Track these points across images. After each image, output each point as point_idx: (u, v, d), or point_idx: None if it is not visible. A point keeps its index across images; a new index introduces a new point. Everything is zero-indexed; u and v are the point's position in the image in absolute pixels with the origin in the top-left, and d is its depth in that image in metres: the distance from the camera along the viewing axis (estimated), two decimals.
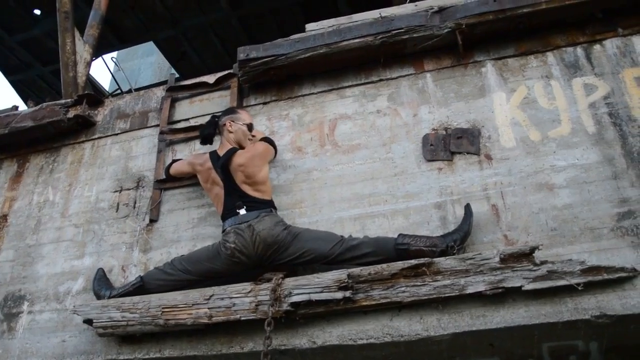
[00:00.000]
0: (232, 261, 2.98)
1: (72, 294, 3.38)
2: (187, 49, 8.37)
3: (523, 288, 2.52)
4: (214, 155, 3.26)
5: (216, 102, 3.77)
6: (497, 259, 2.58)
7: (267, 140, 3.31)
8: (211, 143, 3.40)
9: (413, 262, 2.66)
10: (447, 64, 3.45)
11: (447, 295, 2.60)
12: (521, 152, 3.04)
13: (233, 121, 3.31)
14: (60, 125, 3.94)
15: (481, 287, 2.56)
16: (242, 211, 3.04)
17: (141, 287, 3.06)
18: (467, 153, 3.12)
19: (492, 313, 2.60)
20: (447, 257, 2.67)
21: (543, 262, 2.53)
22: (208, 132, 3.38)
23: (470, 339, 2.66)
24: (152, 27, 7.97)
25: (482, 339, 2.66)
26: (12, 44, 8.08)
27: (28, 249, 3.69)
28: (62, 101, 4.00)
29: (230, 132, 3.29)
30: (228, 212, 3.08)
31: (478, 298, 2.62)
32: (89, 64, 4.48)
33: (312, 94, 3.63)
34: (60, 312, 3.32)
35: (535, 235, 2.79)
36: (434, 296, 2.62)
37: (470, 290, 2.58)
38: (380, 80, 3.53)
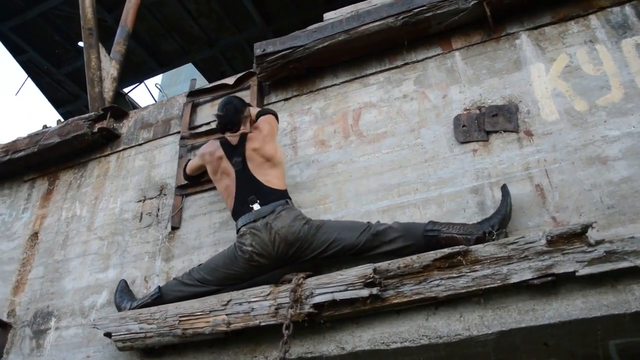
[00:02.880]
0: (251, 265, 2.77)
1: (96, 307, 3.28)
2: (226, 68, 8.39)
3: (577, 273, 2.16)
4: (225, 143, 3.04)
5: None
6: (543, 241, 2.24)
7: (266, 112, 3.10)
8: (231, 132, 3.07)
9: (446, 251, 2.36)
10: (477, 39, 3.16)
11: (488, 286, 2.27)
12: (566, 125, 2.70)
13: (251, 111, 3.12)
14: (85, 139, 3.91)
15: (527, 275, 2.22)
16: (256, 206, 2.79)
17: (159, 298, 2.90)
18: (505, 131, 2.81)
19: (543, 306, 2.25)
20: (485, 244, 2.35)
21: (599, 242, 2.16)
22: (236, 119, 3.01)
23: (520, 337, 2.31)
24: (190, 49, 8.08)
25: (534, 337, 2.31)
26: (60, 77, 8.36)
27: (56, 264, 3.65)
28: (86, 115, 3.98)
29: (252, 123, 3.06)
30: (240, 208, 2.84)
31: (525, 289, 2.28)
32: (115, 80, 4.46)
33: (335, 85, 3.43)
34: (85, 327, 3.22)
35: (589, 215, 2.44)
36: (473, 288, 2.29)
37: (514, 279, 2.24)
38: (406, 64, 3.28)
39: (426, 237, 2.51)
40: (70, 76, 8.20)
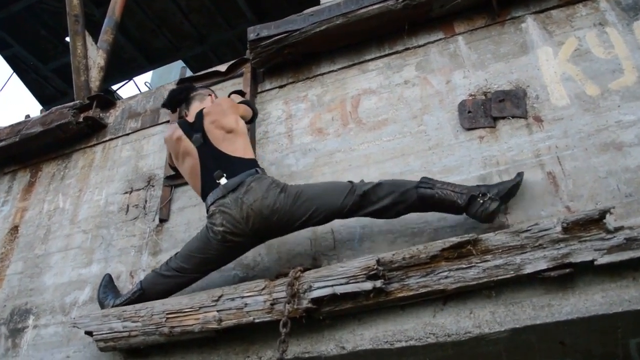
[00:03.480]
0: (226, 246, 2.52)
1: (78, 304, 3.08)
2: (216, 65, 8.21)
3: (596, 262, 1.99)
4: (183, 123, 2.84)
5: (229, 91, 3.43)
6: (558, 228, 2.08)
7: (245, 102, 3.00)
8: (174, 111, 3.04)
9: (455, 239, 2.20)
10: (481, 23, 3.02)
11: (500, 277, 2.10)
12: (577, 110, 2.55)
13: (216, 95, 3.06)
14: (69, 129, 3.72)
15: (542, 265, 2.06)
16: (223, 180, 2.55)
17: (142, 294, 2.68)
18: (512, 117, 2.66)
19: (560, 301, 2.08)
20: (496, 232, 2.20)
21: (618, 229, 2.01)
22: (180, 98, 2.99)
23: (534, 335, 2.15)
24: (181, 46, 7.91)
25: (549, 335, 2.15)
26: (46, 73, 8.15)
27: (36, 259, 3.45)
28: (71, 103, 3.79)
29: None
30: (207, 185, 2.61)
31: (540, 283, 2.12)
32: (103, 69, 4.27)
33: (332, 71, 3.27)
34: (66, 325, 3.01)
35: (605, 204, 2.27)
36: (484, 280, 2.13)
37: (528, 269, 2.08)
38: (407, 49, 3.13)
39: (419, 192, 2.35)
40: (57, 72, 7.99)
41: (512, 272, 2.11)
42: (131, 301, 2.69)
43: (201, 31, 7.74)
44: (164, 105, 3.11)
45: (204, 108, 2.82)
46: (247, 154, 2.66)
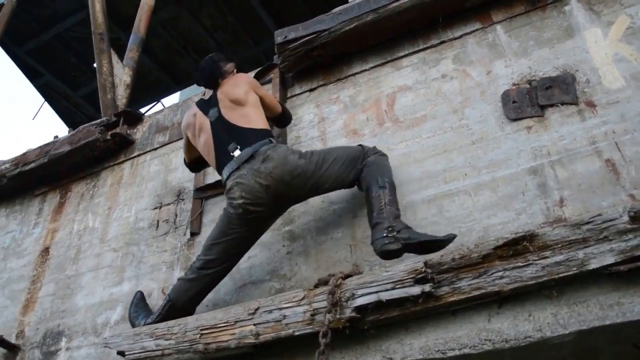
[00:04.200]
0: (248, 220, 2.46)
1: (110, 325, 2.97)
2: None
3: None
4: (200, 101, 2.82)
5: None
6: (625, 218, 1.86)
7: None
8: (213, 87, 2.85)
9: (509, 237, 2.00)
10: (520, 10, 2.84)
11: (562, 275, 1.89)
12: (635, 92, 2.34)
13: (236, 68, 2.95)
14: (97, 146, 3.66)
15: (609, 259, 1.85)
16: (237, 152, 2.49)
17: (172, 306, 2.55)
18: (562, 104, 2.46)
19: (631, 298, 1.85)
20: (554, 226, 1.99)
21: None
22: (215, 71, 2.84)
23: (603, 338, 1.93)
24: None
25: (620, 337, 1.92)
26: (76, 100, 8.25)
27: (67, 280, 3.36)
28: (98, 121, 3.74)
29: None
30: (220, 159, 2.55)
31: (607, 278, 1.89)
32: (129, 87, 4.23)
33: (364, 70, 3.12)
34: (98, 346, 2.91)
35: None
36: (544, 279, 1.92)
37: (593, 264, 1.86)
38: (442, 42, 2.97)
39: (369, 185, 2.37)
40: (86, 98, 8.09)
41: (574, 269, 1.89)
42: (162, 317, 2.55)
43: (227, 49, 7.73)
44: (201, 83, 2.94)
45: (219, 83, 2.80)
46: (259, 124, 2.59)
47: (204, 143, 2.66)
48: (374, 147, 2.56)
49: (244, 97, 2.64)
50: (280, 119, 2.91)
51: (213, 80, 2.82)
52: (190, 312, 2.60)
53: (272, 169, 2.39)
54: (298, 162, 2.42)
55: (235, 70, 2.92)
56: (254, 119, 2.60)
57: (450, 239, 2.20)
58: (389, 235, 2.17)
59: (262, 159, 2.42)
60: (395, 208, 2.31)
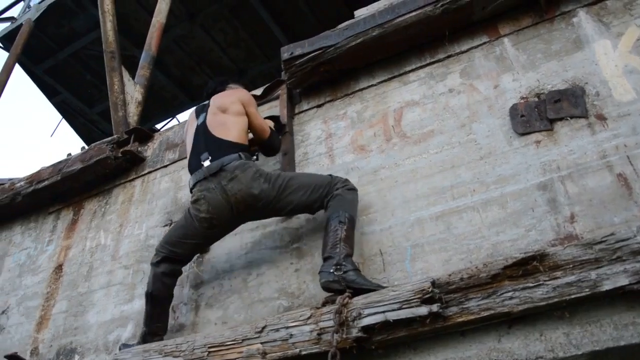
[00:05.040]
0: (212, 231, 2.64)
1: (121, 342, 2.96)
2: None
3: None
4: (200, 105, 2.99)
5: (266, 114, 3.34)
6: (639, 237, 1.82)
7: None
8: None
9: (518, 255, 1.97)
10: (527, 22, 2.81)
11: (573, 296, 1.85)
12: None
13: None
14: (108, 163, 3.69)
15: (623, 280, 1.79)
16: (207, 162, 2.60)
17: (151, 295, 2.68)
18: (571, 117, 2.42)
19: None
20: (565, 245, 1.95)
21: None
22: (215, 87, 3.07)
23: (618, 359, 1.88)
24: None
25: (635, 358, 1.87)
26: (93, 117, 8.36)
27: (80, 297, 3.38)
28: (109, 138, 3.77)
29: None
30: (192, 164, 2.70)
31: (621, 298, 1.85)
32: (140, 104, 4.27)
33: (371, 85, 3.11)
34: None
35: None
36: (555, 300, 1.87)
37: (607, 286, 1.81)
38: (449, 56, 2.95)
39: (330, 217, 2.41)
40: (102, 115, 8.18)
41: (587, 290, 1.85)
42: (149, 315, 2.68)
43: (240, 65, 7.80)
44: (205, 97, 3.11)
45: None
46: (234, 137, 2.67)
47: (187, 144, 2.84)
48: (345, 180, 2.58)
49: (228, 105, 2.77)
50: (264, 146, 2.93)
51: (214, 91, 3.03)
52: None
53: (237, 191, 2.51)
54: (262, 186, 2.51)
55: (241, 89, 3.03)
56: (232, 129, 2.69)
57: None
58: (336, 273, 2.24)
59: (229, 178, 2.52)
60: (350, 247, 2.35)
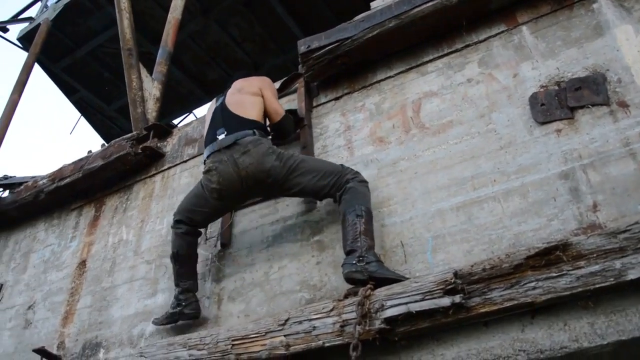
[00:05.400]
0: (221, 202, 2.74)
1: (145, 336, 3.01)
2: None
3: None
4: (221, 94, 3.08)
5: (285, 108, 3.35)
6: None
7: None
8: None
9: (541, 245, 1.96)
10: (546, 10, 2.77)
11: (597, 286, 1.84)
12: None
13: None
14: (128, 160, 3.74)
15: None
16: (221, 136, 2.69)
17: (176, 255, 2.84)
18: (592, 105, 2.40)
19: None
20: (589, 235, 1.94)
21: None
22: (238, 76, 3.18)
23: None
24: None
25: None
26: (111, 114, 8.45)
27: (104, 292, 3.44)
28: (129, 135, 3.81)
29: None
30: (208, 138, 2.80)
31: None
32: (158, 100, 4.30)
33: (389, 77, 3.10)
34: (134, 357, 2.94)
35: None
36: (579, 289, 1.87)
37: (632, 275, 1.80)
38: (466, 46, 2.93)
39: (346, 213, 2.42)
40: (120, 112, 8.27)
41: (611, 280, 1.84)
42: (178, 274, 2.81)
43: (255, 59, 7.81)
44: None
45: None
46: (251, 114, 2.77)
47: (206, 123, 2.94)
48: (356, 171, 2.61)
49: (246, 86, 2.91)
50: (276, 129, 2.97)
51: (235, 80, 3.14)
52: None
53: (248, 165, 2.57)
54: (273, 163, 2.57)
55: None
56: (249, 107, 2.80)
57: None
58: (358, 264, 2.27)
59: (242, 151, 2.60)
60: (370, 239, 2.37)
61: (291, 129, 3.03)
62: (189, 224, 2.84)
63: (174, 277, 2.83)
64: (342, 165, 2.65)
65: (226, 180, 2.62)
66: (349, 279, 2.30)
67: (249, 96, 2.85)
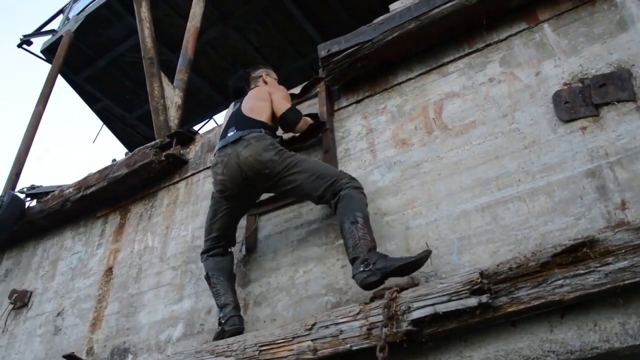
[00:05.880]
0: (227, 197, 2.81)
1: (172, 341, 3.05)
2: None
3: None
4: (239, 100, 3.18)
5: (305, 112, 3.36)
6: None
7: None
8: (241, 96, 3.23)
9: (567, 243, 1.94)
10: (567, 6, 2.74)
11: (627, 282, 1.82)
12: None
13: (268, 75, 3.30)
14: (152, 167, 3.79)
15: None
16: (231, 133, 2.84)
17: (207, 275, 2.85)
18: (618, 101, 2.36)
19: None
20: (616, 230, 1.91)
21: None
22: (240, 85, 3.30)
23: None
24: None
25: None
26: (132, 122, 8.56)
27: (131, 298, 3.48)
28: (152, 143, 3.87)
29: (266, 82, 3.24)
30: (221, 136, 2.94)
31: None
32: (180, 108, 4.36)
33: (410, 79, 3.09)
34: None
35: None
36: (608, 286, 1.84)
37: None
38: (487, 45, 2.91)
39: (343, 222, 2.46)
40: (142, 120, 8.37)
41: None
42: (215, 294, 2.78)
43: (274, 63, 7.82)
44: (232, 96, 3.35)
45: (256, 86, 3.20)
46: (261, 116, 2.90)
47: (222, 126, 3.09)
48: (351, 177, 2.63)
49: (259, 94, 3.03)
50: (281, 122, 3.01)
51: (241, 88, 3.29)
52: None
53: (247, 156, 2.68)
54: (272, 157, 2.67)
55: (264, 75, 3.29)
56: (259, 111, 2.92)
57: (425, 256, 2.30)
58: (366, 269, 2.28)
59: (245, 145, 2.71)
60: (370, 240, 2.39)
61: (294, 119, 3.01)
62: (209, 247, 2.90)
63: (214, 298, 2.82)
64: (340, 170, 2.73)
65: (229, 172, 2.73)
66: (364, 286, 2.31)
67: (260, 102, 2.97)
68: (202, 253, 2.92)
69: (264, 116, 2.90)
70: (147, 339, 3.20)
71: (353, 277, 2.36)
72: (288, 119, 2.97)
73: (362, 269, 2.29)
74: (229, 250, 2.94)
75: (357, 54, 3.11)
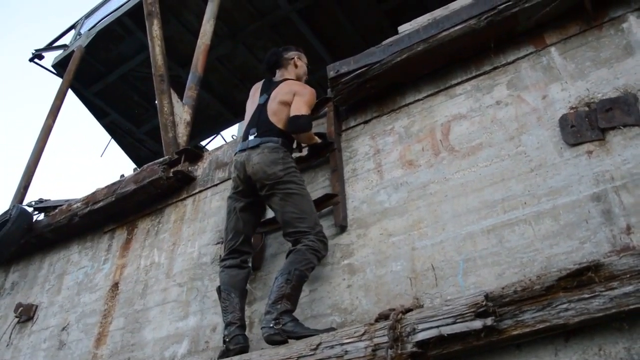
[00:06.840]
0: (238, 193, 2.95)
1: (177, 358, 3.05)
2: None
3: None
4: (267, 80, 3.26)
5: (313, 131, 3.39)
6: None
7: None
8: (274, 75, 3.31)
9: (572, 267, 1.95)
10: (575, 31, 2.77)
11: (632, 307, 1.82)
12: None
13: (300, 58, 3.33)
14: (160, 184, 3.82)
15: None
16: (252, 137, 2.95)
17: (219, 288, 2.86)
18: (624, 126, 2.38)
19: None
20: (621, 255, 1.92)
21: None
22: (273, 60, 3.31)
23: None
24: None
25: None
26: (140, 136, 8.62)
27: (136, 314, 3.49)
28: (161, 159, 3.90)
29: (297, 66, 3.29)
30: (245, 134, 3.04)
31: None
32: (189, 124, 4.40)
33: (418, 100, 3.12)
34: None
35: None
36: (613, 311, 1.85)
37: None
38: (495, 68, 2.94)
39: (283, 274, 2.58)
40: (149, 134, 8.43)
41: None
42: (223, 309, 2.78)
43: None
44: (268, 71, 3.38)
45: (288, 79, 3.20)
46: (281, 123, 2.97)
47: (246, 115, 3.17)
48: (321, 237, 2.72)
49: (283, 94, 3.04)
50: (288, 121, 3.00)
51: (273, 67, 3.31)
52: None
53: (255, 163, 2.83)
54: (277, 172, 2.80)
55: (296, 58, 3.32)
56: (281, 116, 2.98)
57: (331, 330, 2.42)
58: (275, 327, 2.44)
59: (259, 152, 2.86)
60: (292, 303, 2.54)
61: (301, 127, 2.99)
62: (226, 256, 2.92)
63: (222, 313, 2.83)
64: (318, 223, 2.78)
65: (240, 168, 2.90)
66: (269, 342, 2.46)
67: (283, 106, 3.01)
68: (221, 261, 2.95)
69: (283, 123, 2.97)
70: (151, 355, 3.20)
71: (261, 328, 2.50)
72: (295, 124, 2.97)
73: (272, 325, 2.45)
74: (246, 263, 2.95)
75: (365, 74, 3.14)
